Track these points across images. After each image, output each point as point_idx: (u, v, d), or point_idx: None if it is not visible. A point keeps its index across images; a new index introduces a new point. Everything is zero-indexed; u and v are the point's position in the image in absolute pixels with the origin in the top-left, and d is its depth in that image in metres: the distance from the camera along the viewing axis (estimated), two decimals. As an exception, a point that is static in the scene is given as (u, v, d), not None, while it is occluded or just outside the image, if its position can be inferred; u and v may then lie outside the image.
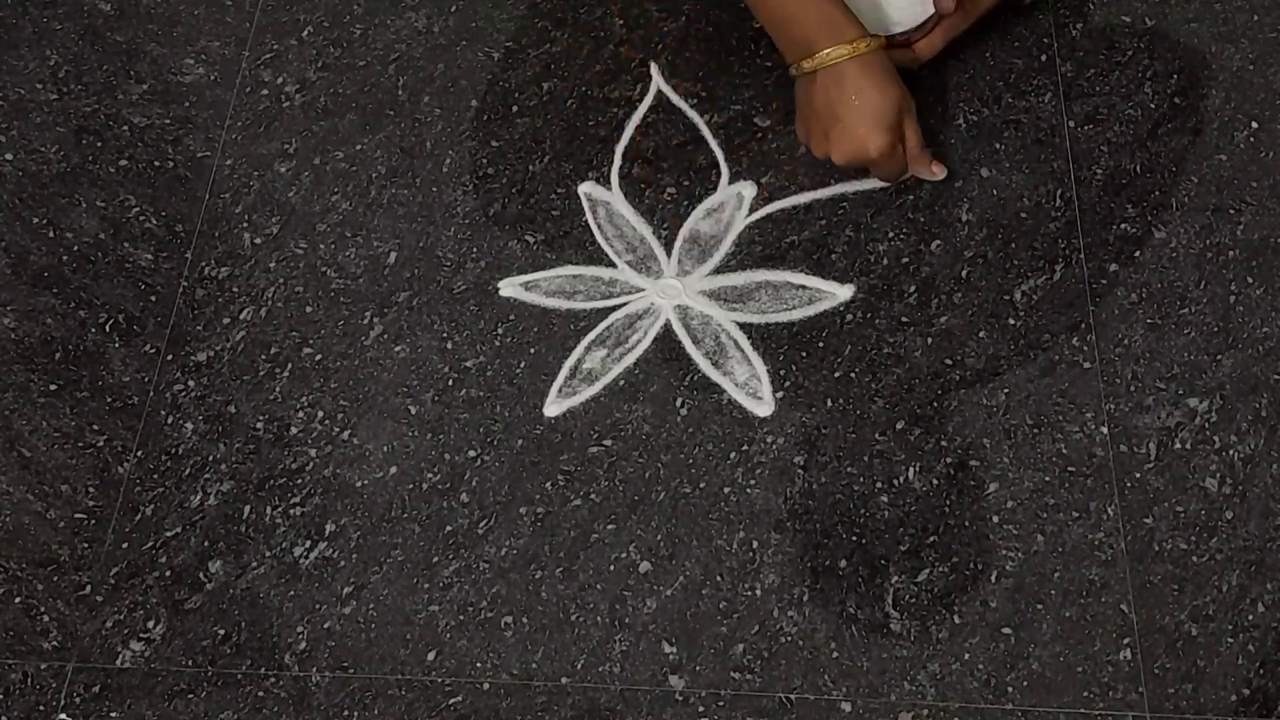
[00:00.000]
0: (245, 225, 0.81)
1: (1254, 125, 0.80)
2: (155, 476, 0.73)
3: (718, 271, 0.77)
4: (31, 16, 0.90)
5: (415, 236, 0.79)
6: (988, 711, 0.64)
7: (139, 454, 0.73)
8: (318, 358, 0.76)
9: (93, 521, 0.71)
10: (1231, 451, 0.70)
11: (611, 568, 0.68)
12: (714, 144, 0.81)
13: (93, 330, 0.77)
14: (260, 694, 0.66)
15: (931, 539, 0.68)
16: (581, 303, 0.76)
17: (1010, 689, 0.64)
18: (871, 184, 0.79)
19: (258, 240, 0.80)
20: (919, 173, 0.77)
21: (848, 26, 0.71)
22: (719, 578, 0.68)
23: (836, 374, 0.73)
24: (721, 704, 0.65)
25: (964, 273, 0.76)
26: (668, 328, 0.75)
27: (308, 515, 0.71)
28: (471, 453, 0.72)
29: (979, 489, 0.69)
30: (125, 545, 0.71)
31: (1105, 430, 0.70)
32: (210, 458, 0.73)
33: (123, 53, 0.88)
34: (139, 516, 0.71)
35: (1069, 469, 0.69)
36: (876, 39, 0.72)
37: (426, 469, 0.72)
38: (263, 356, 0.76)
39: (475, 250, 0.79)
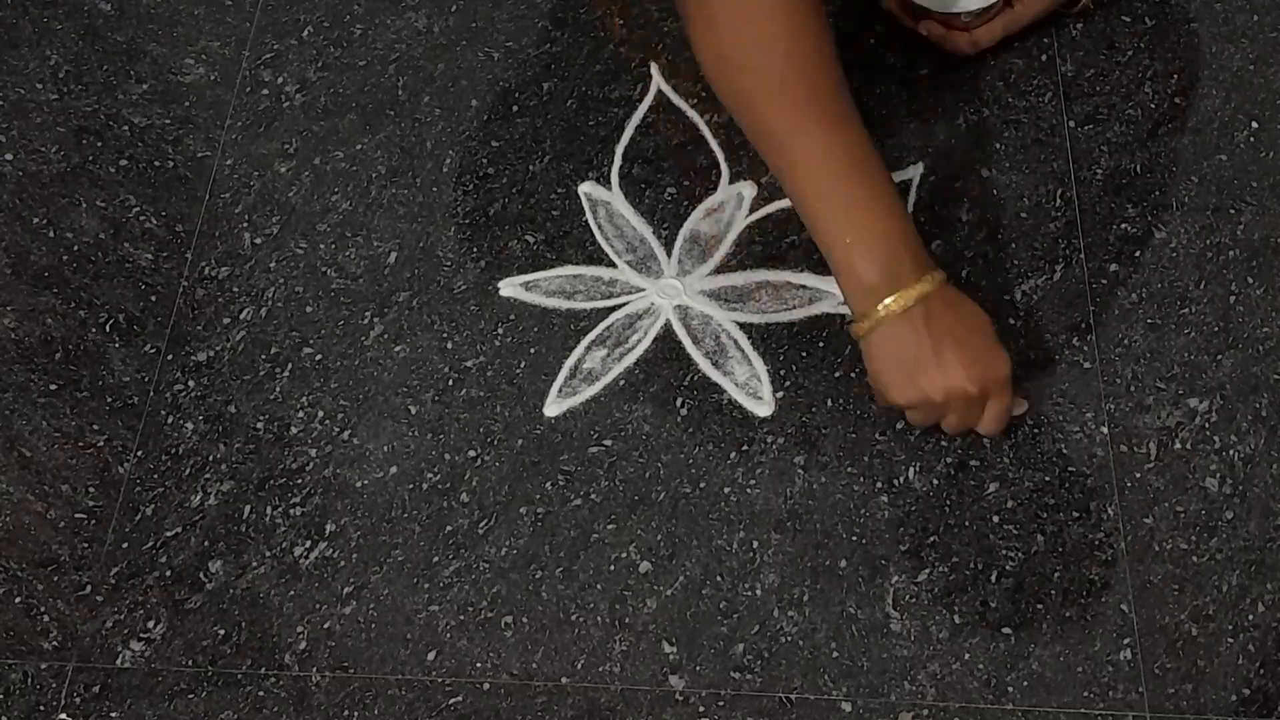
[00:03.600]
0: (245, 225, 0.81)
1: (1254, 125, 0.80)
2: (155, 476, 0.73)
3: (718, 271, 0.77)
4: (31, 16, 0.90)
5: (415, 236, 0.79)
6: (988, 711, 0.64)
7: (139, 454, 0.73)
8: (318, 358, 0.76)
9: (93, 521, 0.71)
10: (1232, 451, 0.70)
11: (611, 568, 0.68)
12: (714, 144, 0.81)
13: (93, 330, 0.77)
14: (260, 694, 0.66)
15: (931, 539, 0.68)
16: (581, 303, 0.76)
17: (1010, 689, 0.64)
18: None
19: (258, 240, 0.80)
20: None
21: (924, 256, 0.63)
22: (719, 578, 0.68)
23: (836, 374, 0.73)
24: (721, 704, 0.65)
25: (964, 273, 0.76)
26: (668, 328, 0.75)
27: (308, 515, 0.71)
28: (471, 453, 0.72)
29: (979, 489, 0.69)
30: (125, 545, 0.71)
31: (1105, 430, 0.70)
32: (210, 458, 0.73)
33: (123, 53, 0.88)
34: (139, 516, 0.71)
35: (1069, 469, 0.69)
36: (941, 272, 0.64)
37: (426, 469, 0.72)
38: (263, 356, 0.76)
39: (475, 250, 0.79)
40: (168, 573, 0.70)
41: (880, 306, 0.62)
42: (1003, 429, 0.67)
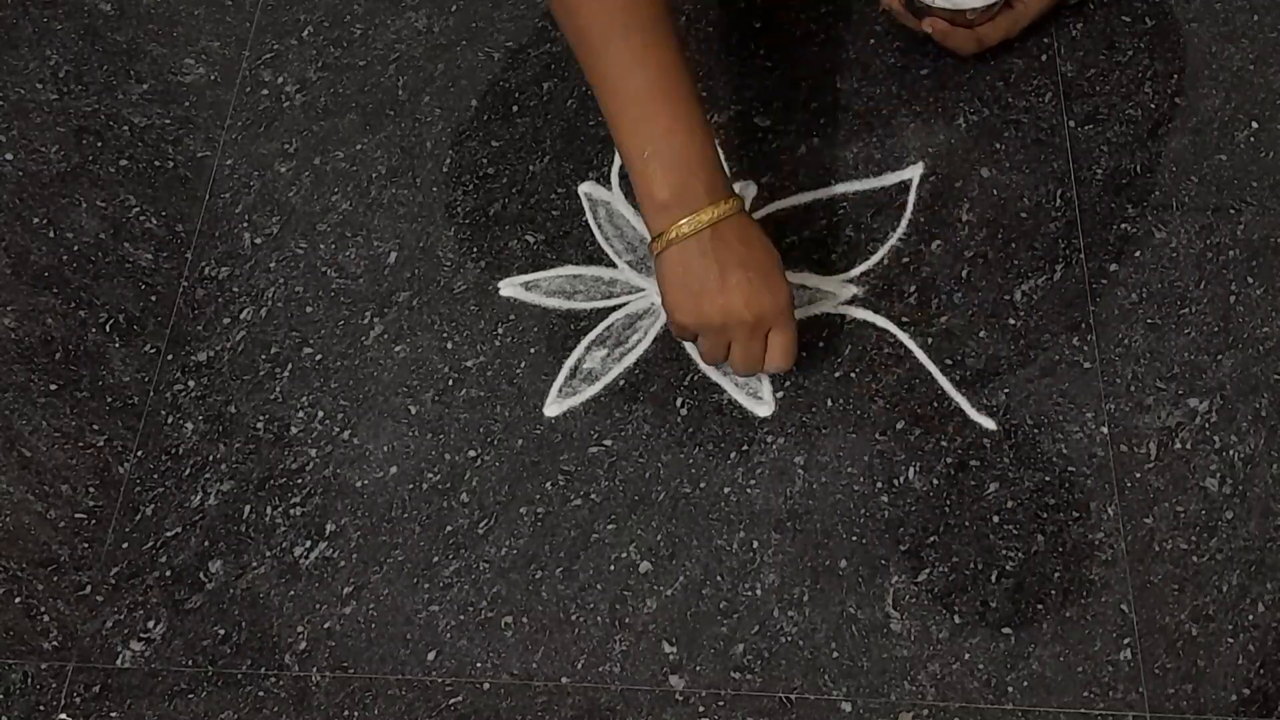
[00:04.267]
0: (245, 225, 0.81)
1: (1254, 125, 0.80)
2: (155, 476, 0.73)
3: (718, 271, 0.77)
4: (31, 16, 0.90)
5: (415, 236, 0.79)
6: (988, 711, 0.64)
7: (139, 454, 0.73)
8: (318, 358, 0.76)
9: (93, 521, 0.71)
10: (1232, 451, 0.70)
11: (611, 568, 0.68)
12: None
13: (93, 330, 0.77)
14: (260, 694, 0.66)
15: (931, 539, 0.68)
16: (582, 302, 0.76)
17: (1010, 689, 0.64)
18: (872, 184, 0.79)
19: (258, 240, 0.80)
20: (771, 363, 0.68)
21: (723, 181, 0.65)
22: (719, 578, 0.68)
23: (836, 374, 0.73)
24: (721, 704, 0.65)
25: (964, 273, 0.76)
26: (668, 328, 0.75)
27: (308, 515, 0.71)
28: (472, 453, 0.72)
29: (979, 489, 0.69)
30: (125, 545, 0.71)
31: (1105, 430, 0.70)
32: (210, 458, 0.73)
33: (123, 53, 0.88)
34: (139, 516, 0.71)
35: (1069, 469, 0.69)
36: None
37: (427, 469, 0.72)
38: (263, 356, 0.76)
39: (475, 250, 0.79)
40: (168, 573, 0.70)
41: (673, 228, 0.64)
42: (789, 364, 0.68)
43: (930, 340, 0.74)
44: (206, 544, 0.70)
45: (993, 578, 0.67)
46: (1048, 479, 0.69)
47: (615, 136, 0.65)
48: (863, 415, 0.72)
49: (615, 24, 0.64)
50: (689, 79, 0.65)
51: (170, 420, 0.74)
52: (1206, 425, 0.70)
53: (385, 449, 0.72)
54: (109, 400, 0.75)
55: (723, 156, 0.81)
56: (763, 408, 0.72)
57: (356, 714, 0.65)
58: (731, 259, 0.64)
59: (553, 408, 0.73)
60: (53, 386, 0.76)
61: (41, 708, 0.67)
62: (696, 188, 0.64)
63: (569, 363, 0.74)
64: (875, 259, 0.76)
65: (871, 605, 0.66)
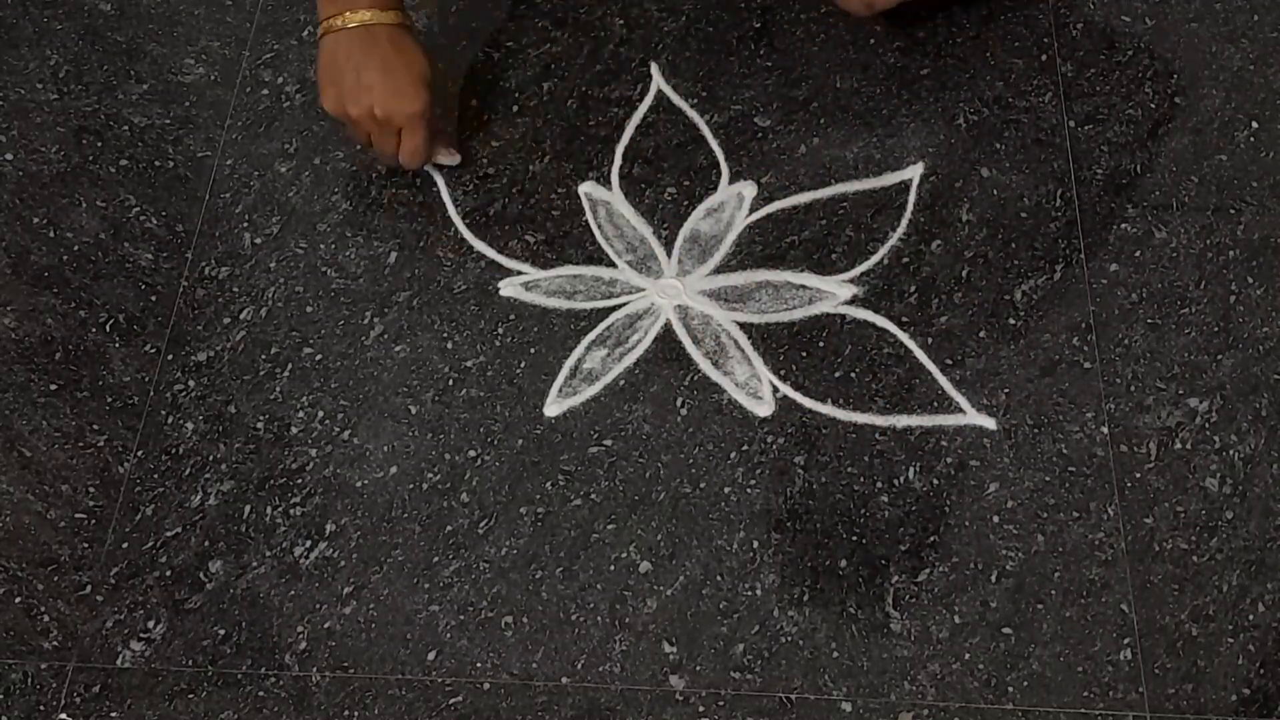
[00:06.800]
0: (245, 225, 0.81)
1: (1254, 125, 0.80)
2: (155, 476, 0.73)
3: (718, 271, 0.77)
4: (31, 16, 0.90)
5: (415, 236, 0.79)
6: (988, 711, 0.64)
7: (139, 454, 0.73)
8: (318, 357, 0.76)
9: (93, 521, 0.71)
10: (1232, 451, 0.70)
11: (612, 568, 0.68)
12: (714, 144, 0.81)
13: (93, 330, 0.77)
14: (260, 694, 0.66)
15: (931, 539, 0.68)
16: (582, 303, 0.76)
17: (1010, 689, 0.64)
18: (872, 184, 0.79)
19: (258, 240, 0.80)
20: (438, 155, 0.79)
21: None
22: (719, 578, 0.68)
23: (836, 374, 0.73)
24: (722, 704, 0.65)
25: (964, 273, 0.76)
26: (668, 328, 0.75)
27: (308, 515, 0.71)
28: (472, 453, 0.72)
29: (979, 489, 0.69)
30: (125, 545, 0.71)
31: (1105, 430, 0.70)
32: (210, 458, 0.73)
33: (123, 53, 0.88)
34: (139, 516, 0.71)
35: (1069, 469, 0.69)
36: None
37: (427, 469, 0.72)
38: (263, 356, 0.76)
39: (475, 250, 0.79)
40: (168, 573, 0.70)
41: (334, 19, 0.73)
42: (419, 163, 0.77)
43: (930, 340, 0.74)
44: (206, 544, 0.70)
45: (993, 578, 0.67)
46: (1048, 479, 0.69)
47: None
48: (863, 415, 0.72)
49: None
50: None
51: (170, 420, 0.74)
52: (1206, 425, 0.70)
53: (385, 449, 0.72)
54: (109, 400, 0.75)
55: (722, 159, 0.81)
56: (763, 408, 0.72)
57: (356, 714, 0.65)
58: (373, 60, 0.72)
59: (553, 408, 0.73)
60: (53, 386, 0.76)
61: (41, 708, 0.67)
62: None
63: (569, 363, 0.74)
64: (875, 259, 0.76)
65: (871, 605, 0.66)
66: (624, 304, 0.76)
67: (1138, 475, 0.69)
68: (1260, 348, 0.72)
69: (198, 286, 0.79)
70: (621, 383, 0.74)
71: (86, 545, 0.71)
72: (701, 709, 0.65)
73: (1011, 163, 0.79)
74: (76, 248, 0.80)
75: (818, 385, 0.73)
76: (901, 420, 0.71)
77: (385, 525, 0.70)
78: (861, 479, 0.70)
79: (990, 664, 0.65)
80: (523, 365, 0.75)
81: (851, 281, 0.76)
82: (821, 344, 0.74)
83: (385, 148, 0.76)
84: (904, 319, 0.74)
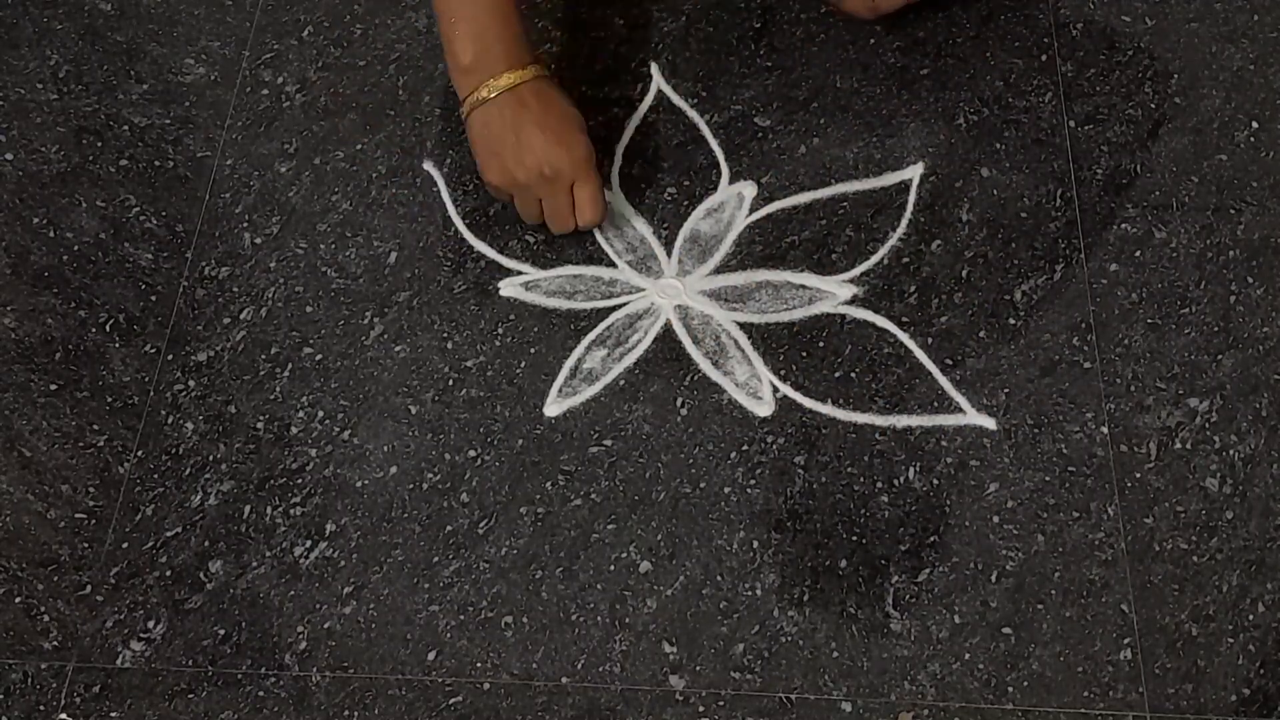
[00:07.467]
0: (245, 225, 0.81)
1: (1254, 125, 0.80)
2: (155, 476, 0.73)
3: (718, 271, 0.77)
4: (31, 16, 0.90)
5: (415, 236, 0.79)
6: (988, 711, 0.64)
7: (139, 454, 0.73)
8: (318, 357, 0.76)
9: (93, 521, 0.71)
10: (1232, 451, 0.70)
11: (612, 568, 0.68)
12: (714, 144, 0.81)
13: (93, 330, 0.77)
14: (260, 694, 0.66)
15: (931, 539, 0.68)
16: (582, 303, 0.76)
17: (1010, 689, 0.64)
18: (872, 184, 0.79)
19: (258, 240, 0.80)
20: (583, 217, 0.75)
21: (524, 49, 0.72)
22: (719, 578, 0.68)
23: (836, 374, 0.73)
24: (721, 704, 0.65)
25: (964, 273, 0.76)
26: (668, 328, 0.75)
27: (308, 515, 0.71)
28: (472, 453, 0.72)
29: (979, 489, 0.69)
30: (125, 545, 0.71)
31: (1105, 430, 0.70)
32: (210, 458, 0.73)
33: (123, 53, 0.88)
34: (139, 516, 0.71)
35: (1069, 469, 0.69)
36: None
37: (427, 469, 0.72)
38: (263, 356, 0.76)
39: (475, 250, 0.79)
40: (168, 573, 0.70)
41: (475, 92, 0.71)
42: (599, 215, 0.74)
43: (930, 340, 0.74)
44: (206, 544, 0.70)
45: (993, 578, 0.67)
46: (1048, 479, 0.69)
47: (435, 7, 0.73)
48: (863, 415, 0.72)
49: None
50: None
51: (170, 420, 0.74)
52: (1206, 425, 0.70)
53: (385, 449, 0.72)
54: (109, 400, 0.75)
55: (722, 159, 0.81)
56: (763, 408, 0.72)
57: (356, 714, 0.65)
58: (528, 119, 0.70)
59: (553, 408, 0.73)
60: (53, 386, 0.76)
61: (41, 708, 0.67)
62: (495, 54, 0.71)
63: (569, 363, 0.74)
64: (875, 259, 0.76)
65: (871, 605, 0.66)
66: (624, 304, 0.76)
67: (1138, 475, 0.69)
68: (1260, 348, 0.72)
69: (198, 286, 0.79)
70: (621, 383, 0.74)
71: (86, 545, 0.71)
72: (701, 709, 0.65)
73: (1011, 163, 0.79)
74: (76, 248, 0.80)
75: (818, 385, 0.73)
76: (901, 420, 0.71)
77: (385, 525, 0.70)
78: (861, 479, 0.70)
79: (990, 664, 0.65)
80: (523, 365, 0.75)
81: (851, 281, 0.76)
82: (821, 344, 0.74)
83: (562, 208, 0.73)
84: (904, 319, 0.74)
